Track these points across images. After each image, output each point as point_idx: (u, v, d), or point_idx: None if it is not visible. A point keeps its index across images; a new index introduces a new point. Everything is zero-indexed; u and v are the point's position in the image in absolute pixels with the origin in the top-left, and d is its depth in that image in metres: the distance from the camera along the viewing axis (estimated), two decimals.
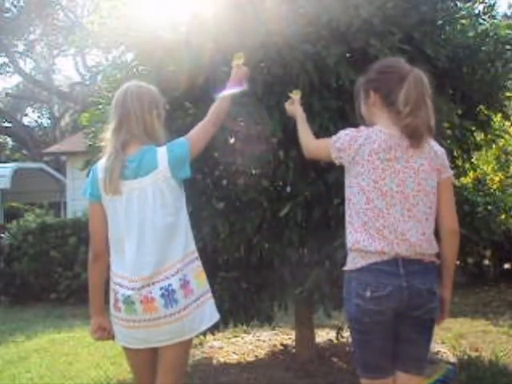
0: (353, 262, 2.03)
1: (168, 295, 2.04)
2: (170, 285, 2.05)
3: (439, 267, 2.08)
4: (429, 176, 2.01)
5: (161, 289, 2.04)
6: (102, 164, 2.15)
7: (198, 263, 2.17)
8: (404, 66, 2.06)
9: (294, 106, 2.54)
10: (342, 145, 2.07)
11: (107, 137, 2.18)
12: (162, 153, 2.11)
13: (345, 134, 2.08)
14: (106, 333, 2.23)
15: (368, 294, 1.95)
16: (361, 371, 2.08)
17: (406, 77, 1.99)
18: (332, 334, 4.60)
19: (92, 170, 2.21)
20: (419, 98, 1.96)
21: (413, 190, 1.99)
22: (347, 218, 2.08)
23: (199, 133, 2.24)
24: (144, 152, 2.12)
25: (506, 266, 7.77)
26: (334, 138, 2.13)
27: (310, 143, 2.33)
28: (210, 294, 2.19)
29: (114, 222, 2.13)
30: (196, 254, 2.17)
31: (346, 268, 2.07)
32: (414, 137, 1.98)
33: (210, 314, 2.18)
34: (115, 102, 2.19)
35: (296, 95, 2.56)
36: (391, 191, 1.98)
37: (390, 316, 1.97)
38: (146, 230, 2.08)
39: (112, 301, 2.14)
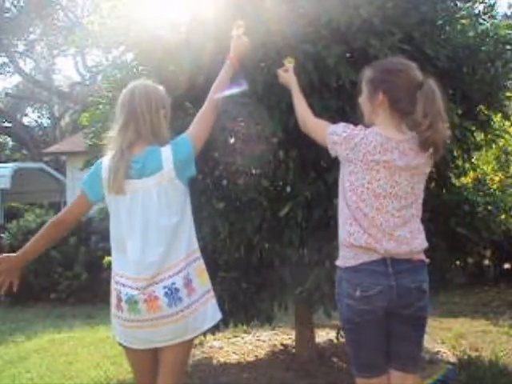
0: (344, 259, 2.07)
1: (172, 294, 2.04)
2: (173, 283, 2.05)
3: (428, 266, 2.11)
4: (421, 179, 2.06)
5: (164, 287, 2.04)
6: (106, 162, 2.14)
7: (201, 262, 2.17)
8: (416, 74, 2.04)
9: (289, 74, 2.48)
10: (338, 139, 2.08)
11: (113, 135, 2.17)
12: (166, 153, 2.10)
13: (342, 131, 2.08)
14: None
15: (358, 293, 1.98)
16: (355, 370, 2.11)
17: (418, 87, 1.99)
18: (332, 334, 4.60)
19: (97, 164, 2.18)
20: (437, 112, 1.97)
21: (406, 192, 2.02)
22: (340, 211, 2.11)
23: (200, 124, 2.22)
24: (149, 153, 2.11)
25: (506, 265, 7.78)
26: (331, 128, 2.13)
27: (309, 119, 2.30)
28: (212, 293, 2.19)
29: (116, 221, 2.13)
30: (198, 253, 2.17)
31: (337, 263, 2.11)
32: (429, 149, 2.00)
33: (213, 312, 2.18)
34: (122, 100, 2.17)
35: (290, 63, 2.50)
36: (385, 192, 2.00)
37: (380, 315, 2.00)
38: (151, 231, 2.07)
39: (114, 301, 2.13)
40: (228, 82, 2.34)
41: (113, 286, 2.14)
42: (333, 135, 2.10)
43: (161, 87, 2.25)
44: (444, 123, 1.99)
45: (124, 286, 2.07)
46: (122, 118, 2.15)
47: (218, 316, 2.20)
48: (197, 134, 2.19)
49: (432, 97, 1.97)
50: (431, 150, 2.00)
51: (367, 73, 2.13)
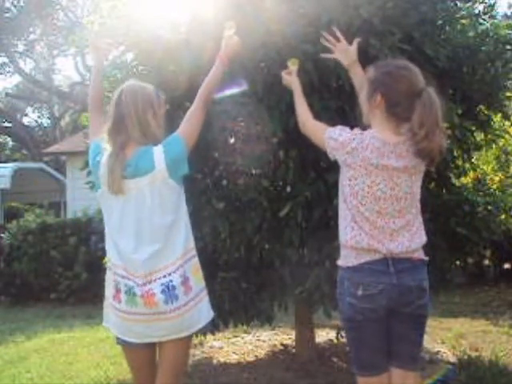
0: (345, 259, 2.08)
1: (168, 291, 2.05)
2: (170, 281, 2.06)
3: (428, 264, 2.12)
4: (419, 178, 2.07)
5: (161, 285, 2.06)
6: (104, 159, 2.14)
7: (196, 260, 2.19)
8: (417, 80, 2.02)
9: (291, 77, 2.48)
10: (334, 144, 2.08)
11: (105, 137, 2.18)
12: (158, 153, 2.11)
13: (338, 135, 2.08)
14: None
15: (360, 292, 1.99)
16: (356, 369, 2.12)
17: (417, 95, 1.97)
18: (332, 334, 4.60)
19: (99, 155, 2.18)
20: (434, 122, 1.95)
21: (406, 192, 2.03)
22: (341, 214, 2.11)
23: (191, 122, 2.22)
24: (141, 153, 2.12)
25: (506, 265, 7.78)
26: (328, 133, 2.12)
27: (308, 121, 2.29)
28: (205, 292, 2.21)
29: (109, 219, 2.16)
30: (194, 251, 2.18)
31: (338, 263, 2.12)
32: (426, 159, 2.01)
33: (207, 311, 2.20)
34: (111, 103, 2.20)
35: (293, 65, 2.49)
36: (384, 195, 2.01)
37: (382, 313, 2.01)
38: (144, 229, 2.09)
39: (112, 291, 2.14)
40: (218, 80, 2.34)
41: (111, 276, 2.15)
42: (330, 140, 2.10)
43: (149, 86, 2.24)
44: (441, 133, 1.98)
45: (123, 277, 2.09)
46: (110, 121, 2.17)
47: (211, 314, 2.22)
48: (187, 132, 2.20)
49: (429, 106, 1.95)
50: (430, 160, 2.01)
51: (370, 72, 2.13)
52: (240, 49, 2.42)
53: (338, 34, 2.47)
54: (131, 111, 2.13)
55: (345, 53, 2.44)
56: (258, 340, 4.93)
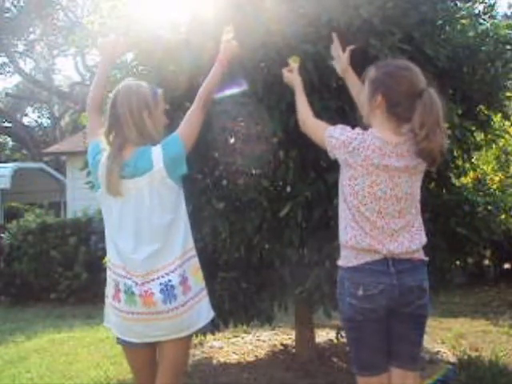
0: (345, 259, 2.08)
1: (167, 291, 2.05)
2: (169, 281, 2.06)
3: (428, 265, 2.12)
4: (419, 178, 2.07)
5: (160, 284, 2.06)
6: (103, 159, 2.15)
7: (196, 260, 2.19)
8: (418, 81, 2.01)
9: (293, 74, 2.46)
10: (335, 143, 2.07)
11: (103, 138, 2.18)
12: (157, 153, 2.11)
13: (339, 134, 2.08)
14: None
15: (360, 292, 2.00)
16: (356, 369, 2.12)
17: (418, 95, 1.96)
18: (332, 334, 4.60)
19: (99, 156, 2.18)
20: (435, 122, 1.95)
21: (406, 193, 2.03)
22: (341, 213, 2.11)
23: (191, 122, 2.22)
24: (139, 153, 2.12)
25: (506, 265, 7.78)
26: (329, 131, 2.11)
27: (309, 119, 2.28)
28: (205, 292, 2.21)
29: (109, 219, 2.16)
30: (194, 251, 2.18)
31: (339, 263, 2.12)
32: (427, 160, 2.01)
33: (207, 311, 2.20)
34: (108, 104, 2.20)
35: (294, 63, 2.48)
36: (385, 195, 2.01)
37: (382, 314, 2.02)
38: (143, 229, 2.09)
39: (112, 291, 2.14)
40: (217, 81, 2.34)
41: (111, 276, 2.16)
42: (331, 139, 2.09)
43: (145, 84, 2.22)
44: (442, 133, 1.97)
45: (123, 277, 2.09)
46: (106, 123, 2.17)
47: (211, 314, 2.22)
48: (187, 132, 2.19)
49: (430, 106, 1.95)
50: (431, 160, 2.01)
51: (370, 72, 2.11)
52: (239, 52, 2.43)
53: (335, 40, 2.47)
54: (126, 112, 2.13)
55: (338, 60, 2.44)
56: (258, 340, 4.93)
